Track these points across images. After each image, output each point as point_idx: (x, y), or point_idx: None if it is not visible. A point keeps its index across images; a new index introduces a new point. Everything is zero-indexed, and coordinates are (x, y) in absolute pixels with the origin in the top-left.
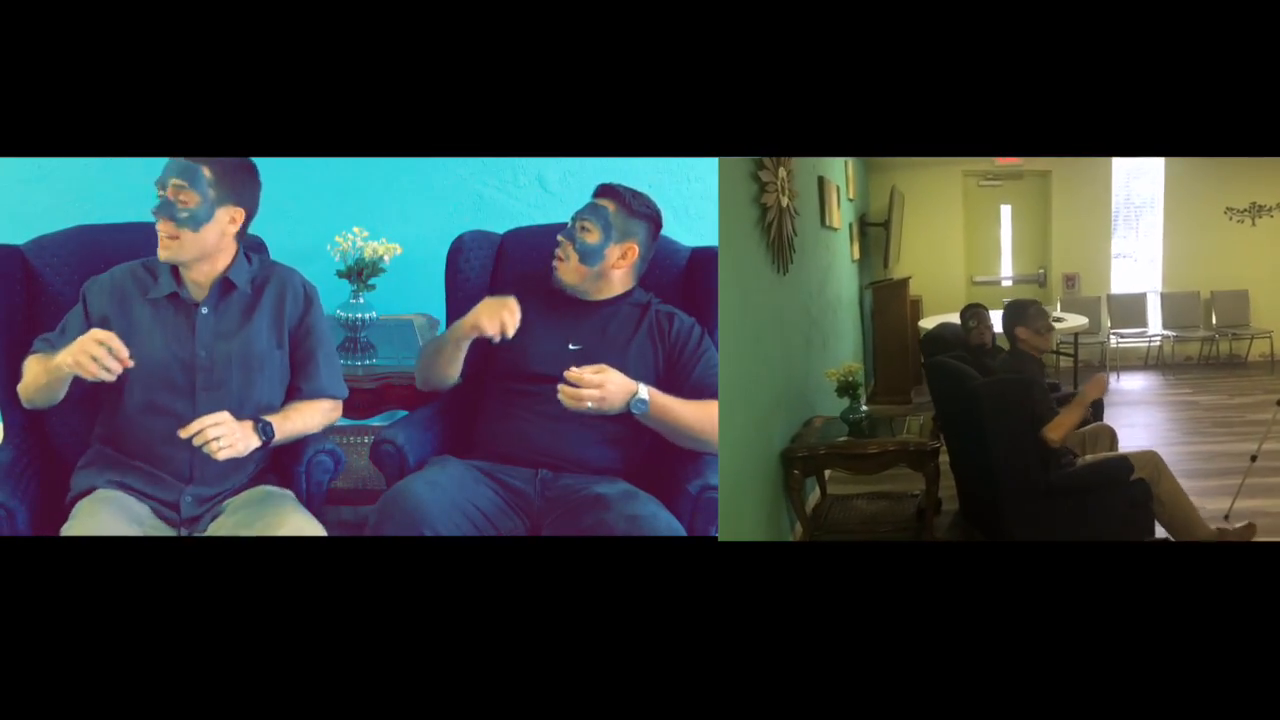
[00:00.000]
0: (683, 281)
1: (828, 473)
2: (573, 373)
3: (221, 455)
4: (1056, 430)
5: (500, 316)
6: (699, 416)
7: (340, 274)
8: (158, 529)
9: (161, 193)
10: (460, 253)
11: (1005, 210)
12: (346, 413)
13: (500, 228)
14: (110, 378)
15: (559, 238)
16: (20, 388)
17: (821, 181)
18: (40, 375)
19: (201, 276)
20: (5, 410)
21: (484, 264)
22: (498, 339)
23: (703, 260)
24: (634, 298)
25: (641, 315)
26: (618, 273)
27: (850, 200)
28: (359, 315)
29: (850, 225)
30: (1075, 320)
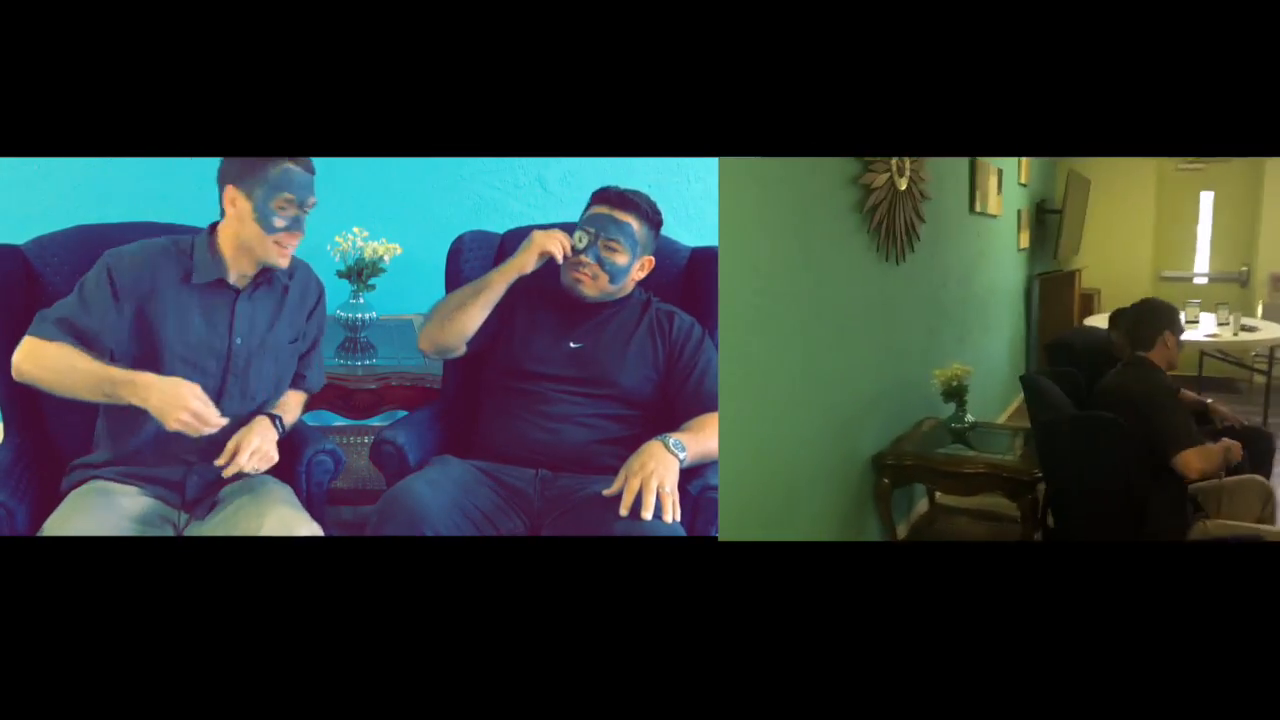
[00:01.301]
0: (683, 281)
1: None
2: (625, 501)
3: (260, 468)
4: (1201, 460)
5: (557, 239)
6: (714, 435)
7: (340, 274)
8: (155, 524)
9: (300, 210)
10: (460, 253)
11: (1206, 198)
12: (346, 413)
13: (500, 228)
14: (197, 433)
15: (583, 258)
16: (31, 368)
17: (973, 165)
18: (94, 381)
19: (252, 267)
20: (6, 410)
21: (484, 264)
22: (561, 259)
23: (703, 260)
24: (634, 296)
25: (641, 313)
26: (632, 282)
27: (1023, 185)
28: (359, 315)
29: (1019, 212)
30: (1272, 330)
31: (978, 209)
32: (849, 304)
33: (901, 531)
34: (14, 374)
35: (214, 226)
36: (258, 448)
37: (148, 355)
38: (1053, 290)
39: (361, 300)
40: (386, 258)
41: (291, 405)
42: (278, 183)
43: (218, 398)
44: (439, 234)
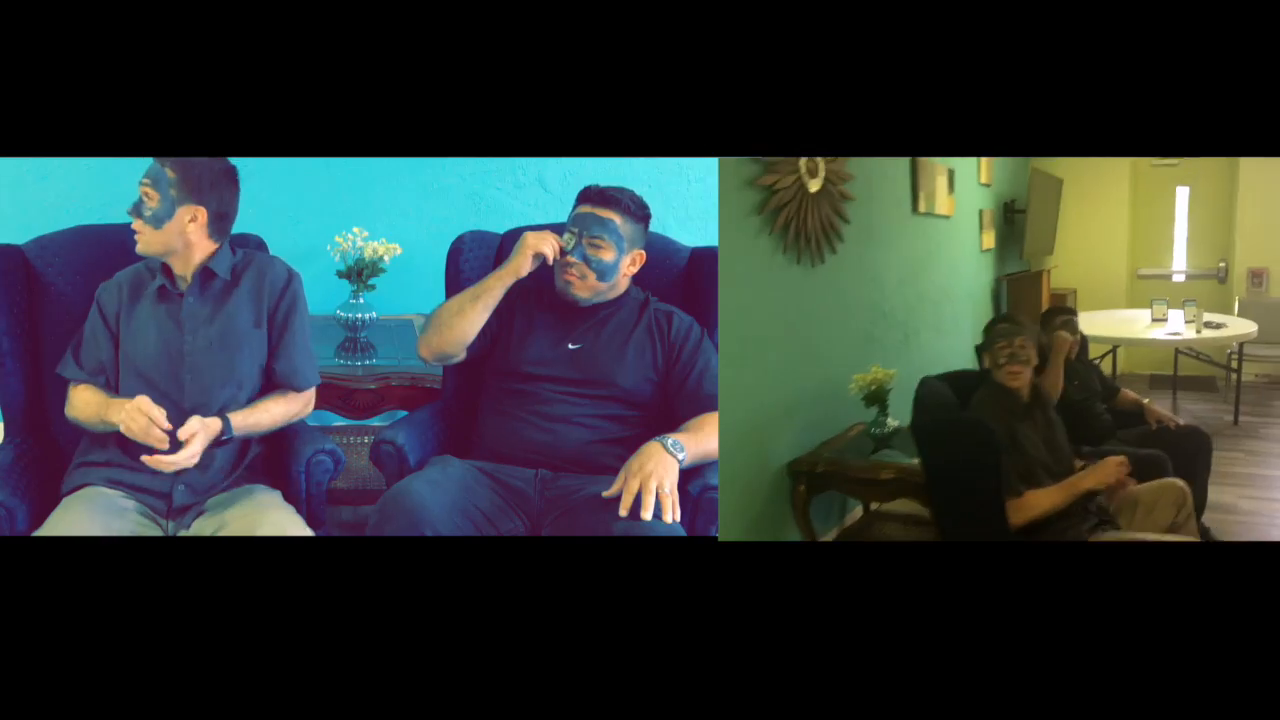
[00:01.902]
0: (683, 281)
1: None
2: (625, 502)
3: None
4: (1018, 514)
5: (549, 240)
6: (714, 435)
7: (340, 274)
8: (143, 526)
9: (139, 192)
10: (460, 253)
11: (1182, 193)
12: (346, 413)
13: (500, 228)
14: (157, 443)
15: (570, 259)
16: (73, 414)
17: (914, 164)
18: (96, 411)
19: (181, 269)
20: (6, 409)
21: (484, 264)
22: (552, 261)
23: (703, 260)
24: (631, 295)
25: (640, 313)
26: (624, 279)
27: (985, 185)
28: (359, 315)
29: (980, 212)
30: (1240, 326)
31: (922, 209)
32: (756, 308)
33: (830, 537)
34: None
35: None
36: (196, 448)
37: (121, 369)
38: (1021, 291)
39: (361, 300)
40: (386, 258)
41: (262, 410)
42: None
43: (180, 395)
44: (439, 234)
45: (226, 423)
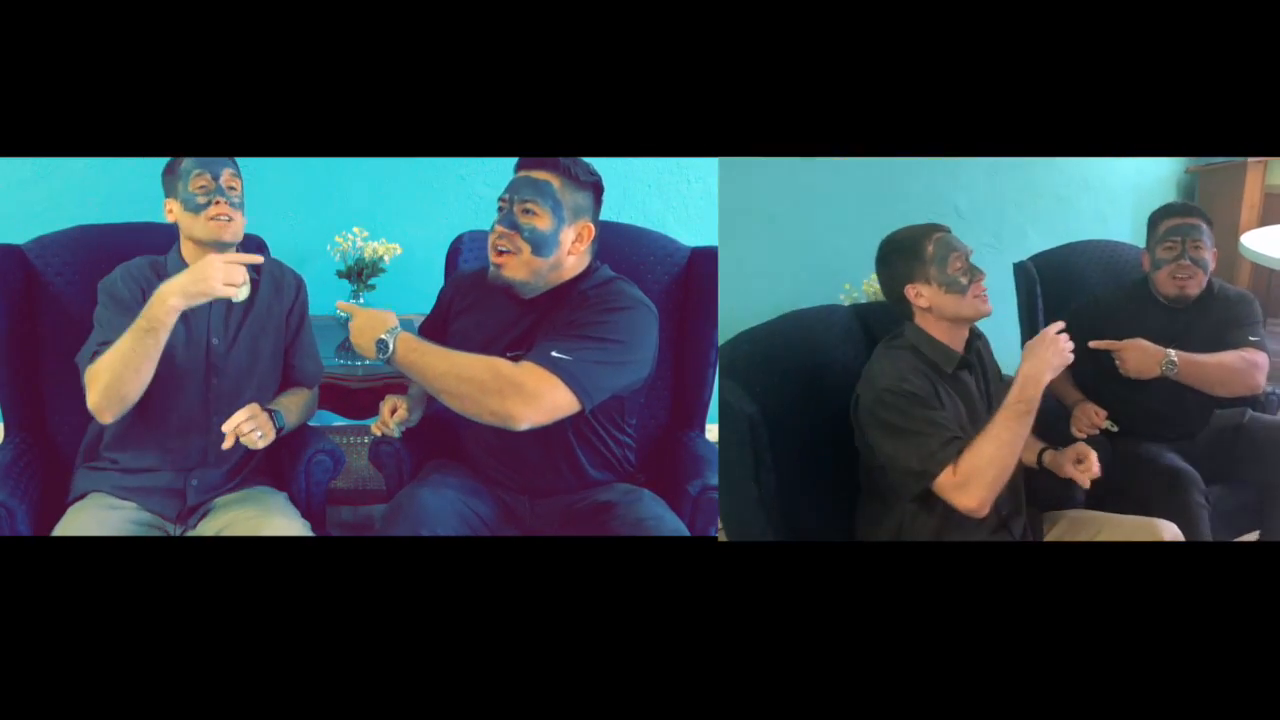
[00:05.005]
0: (683, 281)
1: None
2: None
3: (260, 444)
4: (961, 492)
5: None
6: (451, 369)
7: (340, 274)
8: (150, 530)
9: (216, 182)
10: (460, 253)
11: None
12: (346, 412)
13: None
14: (241, 294)
15: (497, 227)
16: (100, 396)
17: None
18: (121, 363)
19: None
20: (6, 410)
21: (483, 264)
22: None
23: (703, 260)
24: (597, 277)
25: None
26: (573, 258)
27: None
28: None
29: None
30: None
31: None
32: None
33: None
34: (104, 417)
35: None
36: (258, 423)
37: None
38: (1216, 189)
39: (362, 300)
40: (386, 258)
41: (296, 404)
42: (188, 169)
43: (204, 399)
44: (439, 234)
45: (278, 416)
